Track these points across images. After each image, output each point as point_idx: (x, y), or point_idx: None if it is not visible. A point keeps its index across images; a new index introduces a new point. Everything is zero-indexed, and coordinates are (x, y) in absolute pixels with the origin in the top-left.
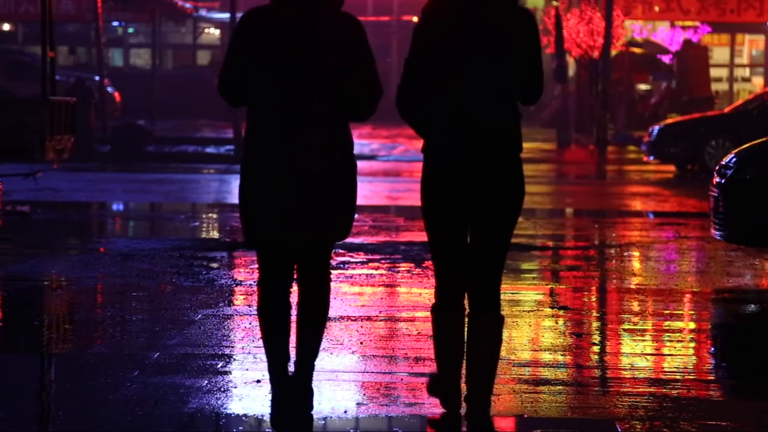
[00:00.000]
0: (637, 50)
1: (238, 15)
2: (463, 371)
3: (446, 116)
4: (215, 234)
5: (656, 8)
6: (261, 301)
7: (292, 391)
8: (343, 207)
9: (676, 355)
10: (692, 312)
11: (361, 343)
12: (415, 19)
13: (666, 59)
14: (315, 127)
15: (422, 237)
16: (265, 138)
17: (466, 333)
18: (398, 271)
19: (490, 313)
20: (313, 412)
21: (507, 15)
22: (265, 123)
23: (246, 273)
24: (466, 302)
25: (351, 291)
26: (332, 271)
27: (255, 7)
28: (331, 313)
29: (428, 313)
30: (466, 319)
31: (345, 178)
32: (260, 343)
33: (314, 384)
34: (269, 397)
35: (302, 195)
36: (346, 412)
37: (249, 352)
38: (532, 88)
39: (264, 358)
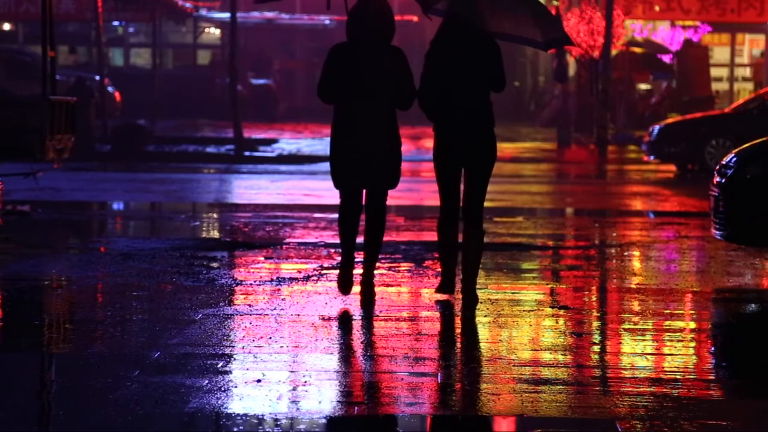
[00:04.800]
0: (637, 50)
1: (239, 15)
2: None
3: (447, 108)
4: (215, 234)
5: (657, 8)
6: (340, 218)
7: (353, 265)
8: (393, 166)
9: (676, 354)
10: (692, 311)
11: (361, 343)
12: (416, 18)
13: (666, 59)
14: (376, 116)
15: (422, 237)
16: (346, 122)
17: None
18: (398, 271)
19: (477, 228)
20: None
21: (479, 43)
22: (346, 113)
23: (246, 272)
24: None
25: (351, 291)
26: (332, 271)
27: (339, 42)
28: (331, 312)
29: (428, 313)
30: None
31: (395, 148)
32: (260, 342)
33: (314, 384)
34: (269, 396)
35: (368, 157)
36: (346, 411)
37: (249, 352)
38: (499, 84)
39: (264, 357)
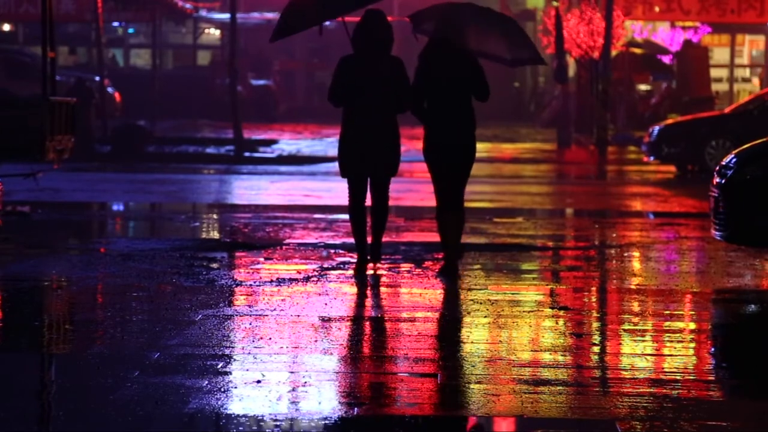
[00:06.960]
0: (637, 50)
1: (238, 15)
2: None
3: (434, 112)
4: (215, 234)
5: (657, 8)
6: (350, 208)
7: (367, 259)
8: (393, 157)
9: (676, 355)
10: (692, 312)
11: (361, 343)
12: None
13: (666, 59)
14: (378, 114)
15: (422, 237)
16: (353, 120)
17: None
18: (398, 271)
19: (458, 210)
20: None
21: (461, 58)
22: (354, 112)
23: (246, 273)
24: None
25: (351, 291)
26: (332, 272)
27: (347, 54)
28: (332, 313)
29: (428, 314)
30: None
31: (394, 141)
32: (260, 343)
33: (314, 385)
34: (269, 397)
35: (371, 149)
36: (346, 412)
37: (249, 353)
38: (482, 93)
39: (264, 358)
